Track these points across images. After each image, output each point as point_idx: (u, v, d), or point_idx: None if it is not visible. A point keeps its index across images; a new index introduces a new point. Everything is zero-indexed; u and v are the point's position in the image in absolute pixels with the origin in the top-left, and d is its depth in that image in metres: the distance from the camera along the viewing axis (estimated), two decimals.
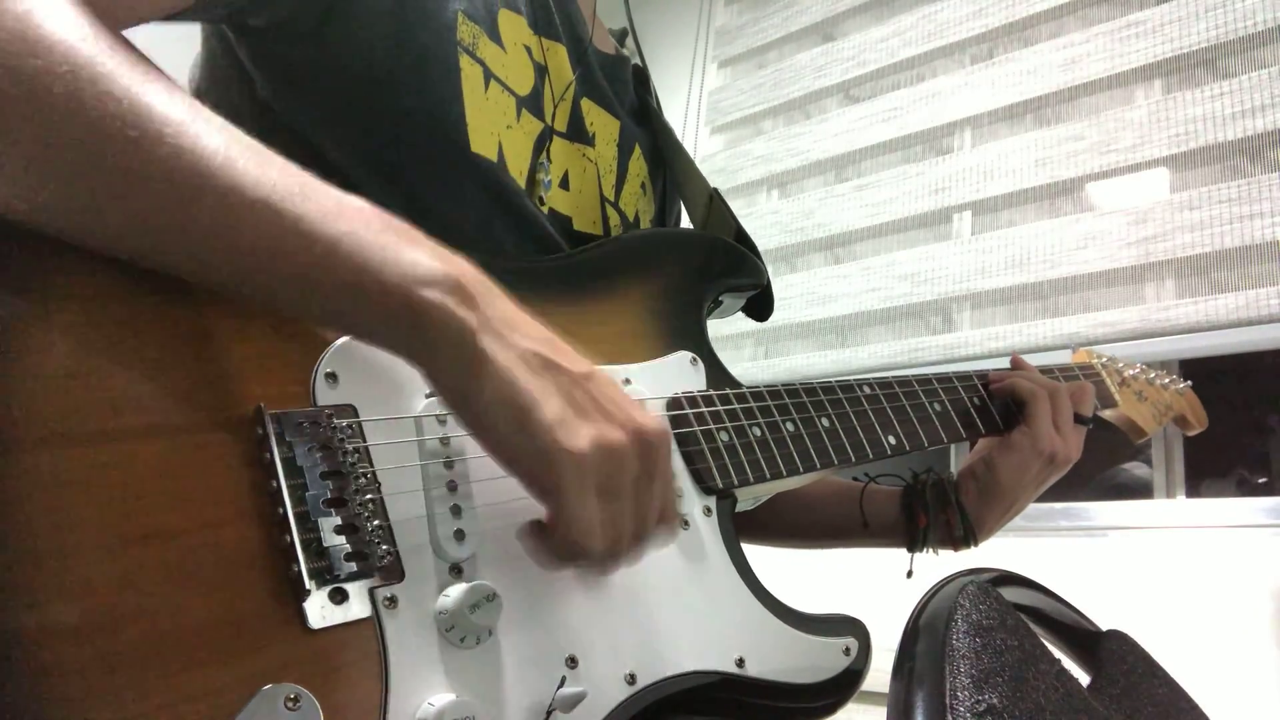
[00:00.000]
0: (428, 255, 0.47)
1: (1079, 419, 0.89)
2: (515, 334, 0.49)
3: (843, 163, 2.30)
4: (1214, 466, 1.83)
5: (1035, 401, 0.86)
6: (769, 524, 0.99)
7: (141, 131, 0.42)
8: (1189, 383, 1.17)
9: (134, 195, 0.42)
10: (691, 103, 2.68)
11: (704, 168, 2.54)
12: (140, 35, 0.58)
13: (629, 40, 0.97)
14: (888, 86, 2.28)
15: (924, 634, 0.65)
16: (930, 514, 0.88)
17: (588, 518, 0.48)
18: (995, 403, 0.90)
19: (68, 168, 0.42)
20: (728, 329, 2.26)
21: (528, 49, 0.77)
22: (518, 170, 0.75)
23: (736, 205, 2.47)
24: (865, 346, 2.08)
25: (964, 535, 0.88)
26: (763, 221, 2.34)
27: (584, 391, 0.50)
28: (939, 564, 0.88)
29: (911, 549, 0.91)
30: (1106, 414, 1.04)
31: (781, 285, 2.25)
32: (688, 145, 2.62)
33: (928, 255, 2.04)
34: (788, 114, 2.50)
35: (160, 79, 0.45)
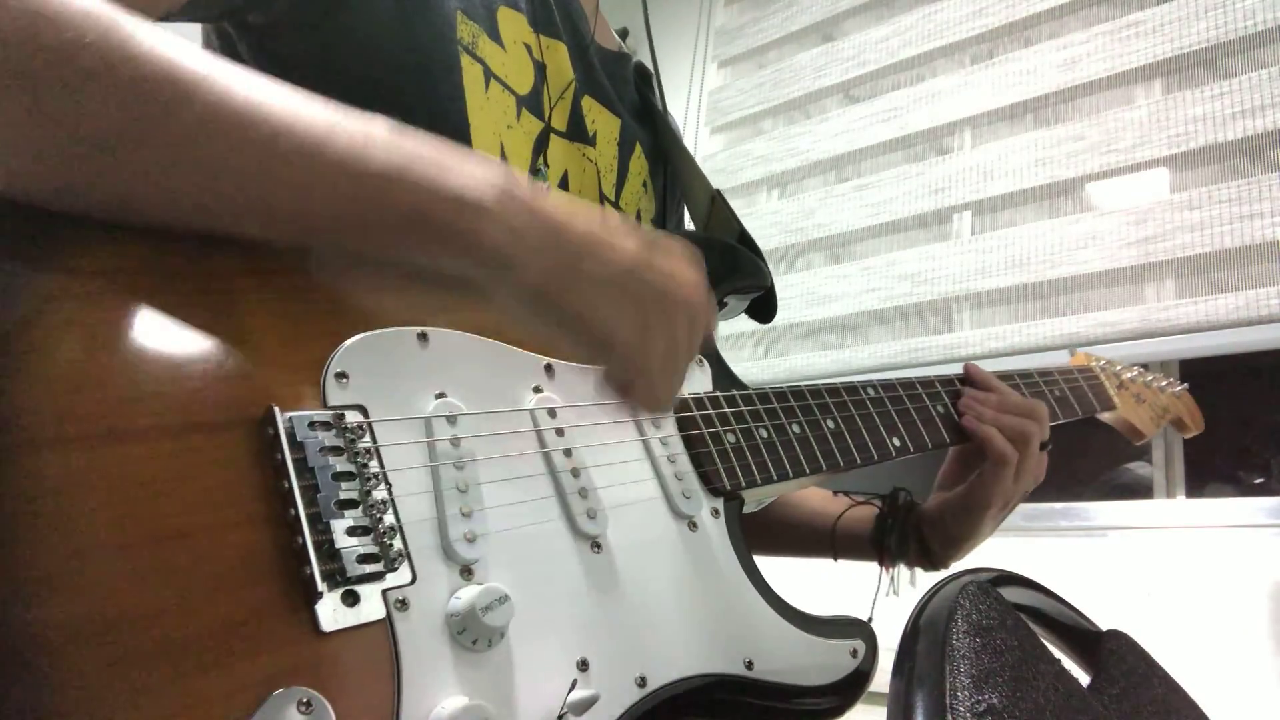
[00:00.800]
0: (468, 178, 0.48)
1: (1042, 445, 0.86)
2: (563, 246, 0.50)
3: (843, 163, 2.30)
4: (1214, 466, 1.83)
5: (1005, 465, 0.81)
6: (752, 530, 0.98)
7: (176, 87, 0.42)
8: (1185, 385, 1.18)
9: (179, 152, 0.43)
10: (691, 103, 2.68)
11: (704, 168, 2.54)
12: None
13: (630, 41, 0.97)
14: (888, 86, 2.28)
15: (924, 634, 0.65)
16: (893, 558, 0.89)
17: (659, 388, 0.55)
18: None
19: (109, 134, 0.42)
20: (727, 329, 2.26)
21: (527, 47, 0.77)
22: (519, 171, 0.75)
23: (736, 205, 2.46)
24: (865, 346, 2.08)
25: (930, 567, 0.90)
26: (763, 221, 2.34)
27: (639, 281, 0.53)
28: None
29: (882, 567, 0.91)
30: (1105, 417, 1.04)
31: (781, 285, 2.24)
32: (688, 145, 2.62)
33: (928, 255, 2.04)
34: (788, 114, 2.50)
35: (174, 36, 0.45)
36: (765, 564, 0.70)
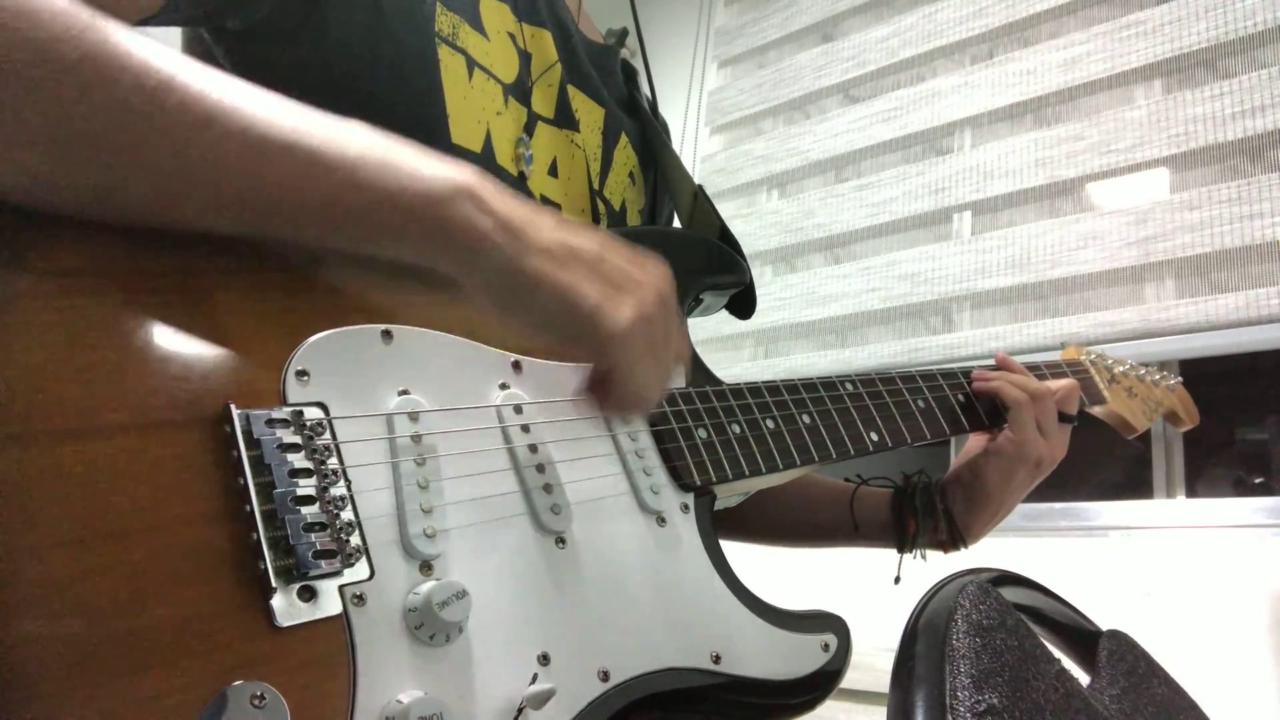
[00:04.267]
0: (439, 168, 0.49)
1: (1063, 417, 0.89)
2: (535, 231, 0.51)
3: (843, 163, 2.30)
4: (1214, 466, 1.83)
5: (1019, 408, 0.85)
6: (756, 521, 0.99)
7: (154, 82, 0.43)
8: (1179, 379, 1.17)
9: (159, 145, 0.44)
10: (691, 103, 2.68)
11: (704, 168, 2.56)
12: None
13: (630, 41, 0.96)
14: (888, 86, 2.28)
15: (924, 634, 0.65)
16: (919, 520, 0.89)
17: (642, 375, 0.54)
18: (981, 401, 0.90)
19: (93, 128, 0.42)
20: (728, 329, 2.27)
21: (512, 36, 0.77)
22: (507, 157, 0.75)
23: (737, 205, 2.47)
24: (865, 346, 2.08)
25: (952, 539, 0.89)
26: (763, 221, 2.34)
27: (606, 270, 0.53)
28: (935, 565, 0.88)
29: (901, 550, 0.91)
30: (1096, 410, 1.04)
31: (781, 285, 2.25)
32: (688, 145, 2.62)
33: (928, 255, 2.04)
34: (788, 114, 2.50)
35: (147, 37, 0.45)
36: (743, 562, 0.70)
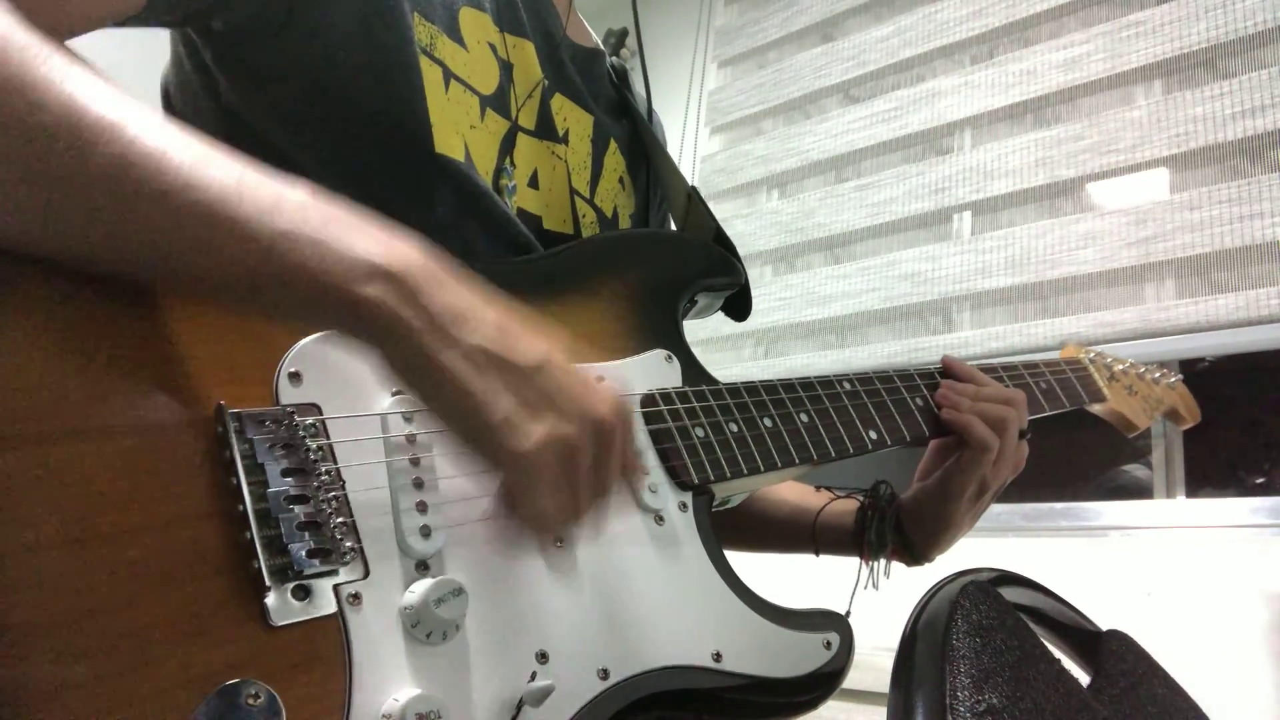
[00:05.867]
0: (371, 246, 0.47)
1: (1022, 434, 0.86)
2: (463, 328, 0.48)
3: (843, 163, 2.30)
4: (1214, 466, 1.83)
5: (988, 452, 0.82)
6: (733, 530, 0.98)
7: (77, 141, 0.41)
8: (1180, 377, 1.17)
9: (73, 204, 0.42)
10: (691, 103, 2.68)
11: (704, 168, 2.56)
12: (117, 37, 0.58)
13: (630, 41, 0.96)
14: (888, 86, 2.28)
15: (924, 634, 0.65)
16: (874, 551, 0.88)
17: (540, 509, 0.50)
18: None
19: (4, 179, 0.41)
20: (728, 329, 2.26)
21: (492, 46, 0.77)
22: (484, 171, 0.74)
23: (737, 205, 2.47)
24: (865, 346, 2.08)
25: (912, 559, 0.89)
26: (763, 221, 2.34)
27: (533, 386, 0.50)
28: (935, 565, 0.88)
29: (864, 563, 0.90)
30: (1096, 409, 1.04)
31: (781, 285, 2.25)
32: (688, 145, 2.62)
33: (928, 255, 2.04)
34: (788, 114, 2.50)
35: (96, 82, 0.44)
36: (745, 560, 0.70)
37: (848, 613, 0.70)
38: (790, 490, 0.99)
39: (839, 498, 0.94)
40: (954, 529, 0.86)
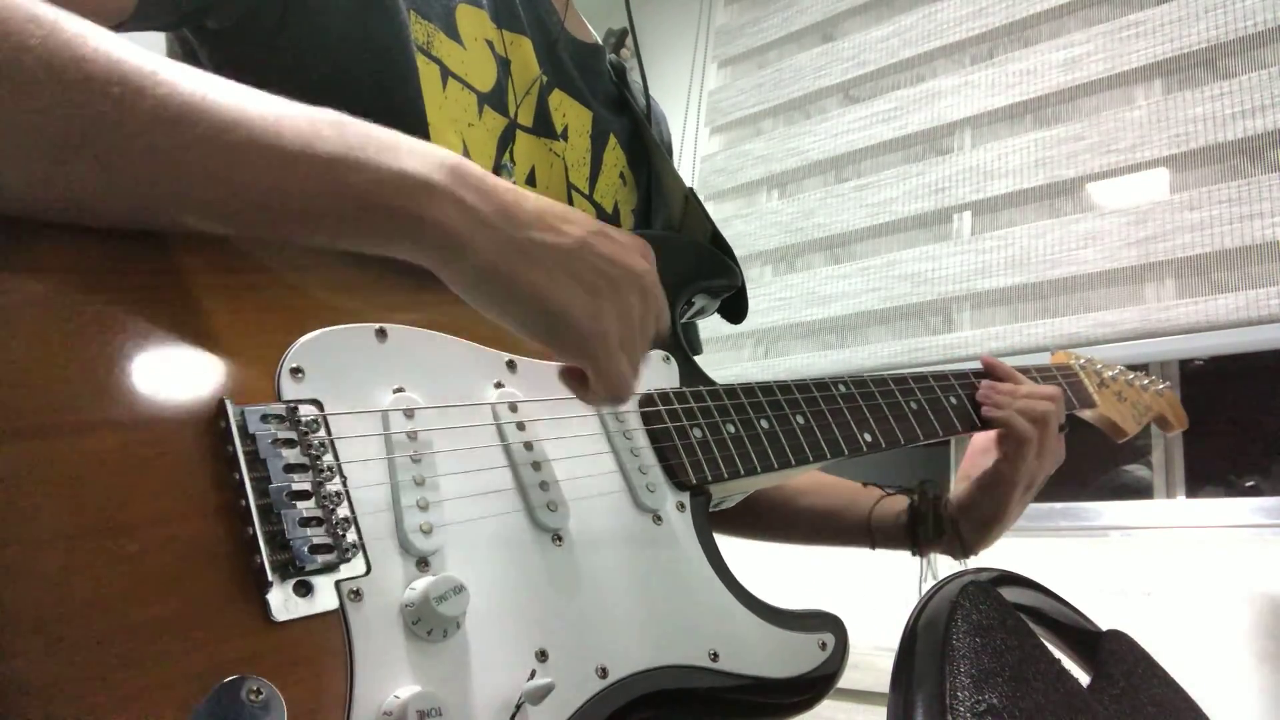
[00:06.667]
0: (416, 160, 0.49)
1: (1060, 428, 0.91)
2: (513, 225, 0.50)
3: (843, 163, 2.30)
4: (1214, 467, 1.83)
5: (1028, 444, 0.87)
6: (765, 517, 1.00)
7: (123, 87, 0.42)
8: (1169, 383, 1.18)
9: (128, 152, 0.43)
10: (691, 103, 2.68)
11: (704, 168, 2.56)
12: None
13: (629, 41, 0.96)
14: (888, 86, 2.28)
15: (924, 634, 0.65)
16: (930, 542, 0.93)
17: (620, 370, 0.54)
18: (974, 403, 0.90)
19: (58, 136, 0.42)
20: (728, 329, 2.26)
21: (489, 43, 0.77)
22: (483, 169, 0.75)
23: (737, 205, 2.47)
24: (865, 346, 2.08)
25: (962, 552, 0.93)
26: (763, 221, 2.34)
27: (586, 264, 0.53)
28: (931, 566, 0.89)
29: (914, 555, 0.95)
30: (1086, 414, 1.05)
31: (781, 285, 2.25)
32: (688, 145, 2.62)
33: (928, 255, 2.04)
34: (788, 114, 2.50)
35: (118, 37, 0.45)
36: (742, 560, 0.70)
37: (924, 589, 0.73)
38: (839, 486, 1.02)
39: (889, 494, 0.98)
40: (1004, 522, 0.90)
